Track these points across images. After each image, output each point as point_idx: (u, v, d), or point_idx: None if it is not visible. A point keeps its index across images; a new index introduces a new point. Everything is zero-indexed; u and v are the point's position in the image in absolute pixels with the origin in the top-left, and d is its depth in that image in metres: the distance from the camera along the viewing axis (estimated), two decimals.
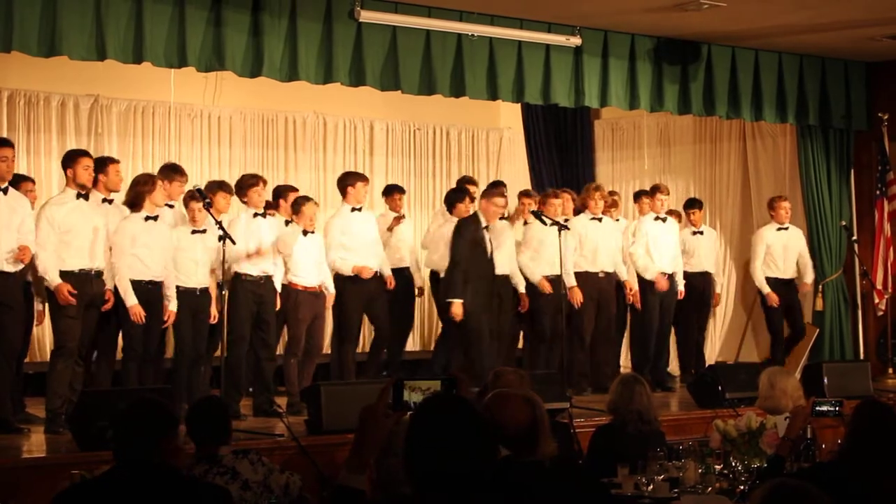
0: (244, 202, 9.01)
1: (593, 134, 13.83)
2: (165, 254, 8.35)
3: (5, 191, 7.68)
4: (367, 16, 8.75)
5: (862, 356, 11.57)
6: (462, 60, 9.27)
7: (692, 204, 11.56)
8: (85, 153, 8.17)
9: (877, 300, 11.52)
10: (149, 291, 8.22)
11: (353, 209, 9.54)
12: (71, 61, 8.06)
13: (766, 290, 11.07)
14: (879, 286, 11.49)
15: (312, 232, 9.22)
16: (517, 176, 13.78)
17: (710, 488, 5.33)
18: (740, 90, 10.74)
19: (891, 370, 11.43)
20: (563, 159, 13.66)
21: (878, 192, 11.67)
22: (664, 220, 10.84)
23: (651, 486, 5.21)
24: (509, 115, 14.06)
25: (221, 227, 8.18)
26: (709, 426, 6.34)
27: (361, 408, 3.37)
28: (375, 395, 3.35)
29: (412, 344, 11.97)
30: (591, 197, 10.60)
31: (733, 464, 5.53)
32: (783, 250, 11.09)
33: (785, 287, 11.10)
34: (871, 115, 11.70)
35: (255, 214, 8.94)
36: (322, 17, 8.67)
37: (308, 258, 9.17)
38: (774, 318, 11.13)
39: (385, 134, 13.60)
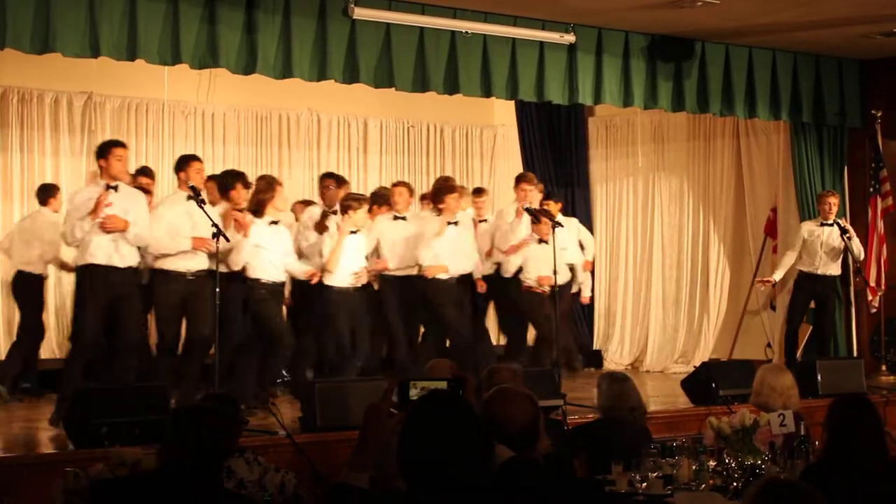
0: (440, 208, 9.74)
1: (587, 131, 13.83)
2: (287, 256, 8.98)
3: (116, 188, 8.06)
4: (360, 13, 8.74)
5: (855, 353, 11.58)
6: (456, 58, 9.26)
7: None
8: (196, 157, 8.83)
9: (870, 297, 11.52)
10: (272, 291, 8.78)
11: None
12: (64, 58, 8.04)
13: (775, 276, 11.22)
14: (873, 283, 11.49)
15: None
16: (511, 173, 13.76)
17: (703, 485, 5.33)
18: (734, 88, 10.74)
19: (884, 367, 11.45)
20: (556, 156, 13.66)
21: (871, 190, 11.68)
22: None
23: (645, 484, 5.22)
24: (503, 113, 14.07)
25: (216, 226, 8.18)
26: (703, 423, 6.34)
27: (366, 406, 3.38)
28: (370, 392, 3.37)
29: None
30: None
31: (727, 461, 5.53)
32: (819, 246, 10.99)
33: (815, 282, 11.06)
34: (864, 113, 11.71)
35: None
36: (316, 14, 8.66)
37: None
38: (795, 314, 11.15)
39: (379, 131, 13.62)
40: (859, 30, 10.44)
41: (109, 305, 7.99)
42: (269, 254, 8.82)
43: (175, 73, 10.07)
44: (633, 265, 13.50)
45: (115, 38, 7.88)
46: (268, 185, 8.96)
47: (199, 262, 8.47)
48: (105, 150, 8.17)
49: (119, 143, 8.29)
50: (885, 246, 11.58)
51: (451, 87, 9.34)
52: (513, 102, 12.74)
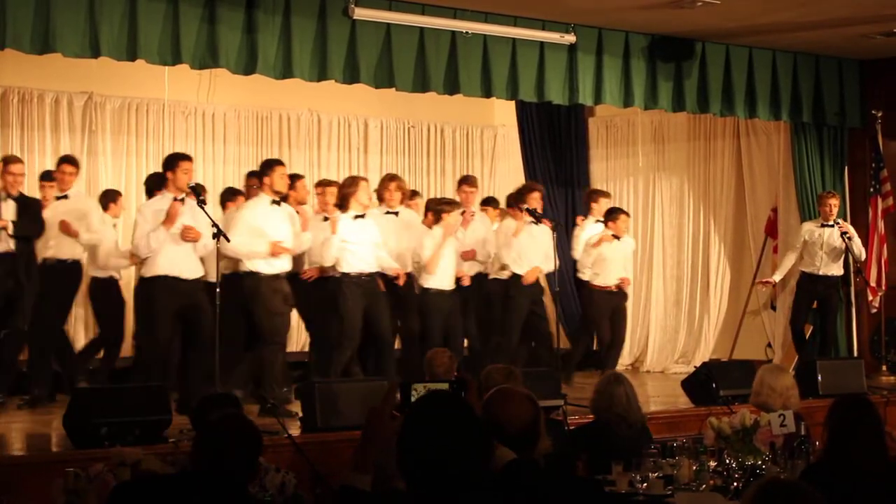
0: (509, 214, 10.26)
1: (587, 131, 13.83)
2: (376, 249, 9.17)
3: (183, 200, 8.30)
4: (361, 13, 8.75)
5: (856, 354, 11.58)
6: (456, 58, 9.26)
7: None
8: (279, 162, 8.96)
9: (870, 297, 11.53)
10: (365, 283, 8.98)
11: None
12: (64, 58, 8.05)
13: (775, 277, 11.31)
14: (873, 283, 11.50)
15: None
16: (512, 173, 13.81)
17: (704, 486, 5.33)
18: (734, 88, 10.75)
19: (884, 367, 11.45)
20: (557, 157, 13.66)
21: (871, 190, 11.69)
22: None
23: (645, 484, 5.22)
24: (504, 113, 14.07)
25: (216, 225, 8.18)
26: (703, 423, 6.34)
27: (368, 409, 3.37)
28: (370, 392, 3.37)
29: None
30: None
31: (727, 461, 5.53)
32: (820, 247, 11.00)
33: (817, 283, 11.08)
34: (864, 113, 11.71)
35: None
36: (316, 14, 8.67)
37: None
38: (798, 314, 11.17)
39: (379, 131, 13.62)
40: (859, 30, 10.44)
41: (180, 316, 8.27)
42: (355, 247, 9.05)
43: (175, 73, 10.07)
44: (633, 265, 13.47)
45: (115, 38, 7.89)
46: (352, 181, 9.34)
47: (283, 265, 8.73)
48: (173, 163, 8.43)
49: (186, 157, 8.61)
50: (885, 246, 11.58)
51: (452, 88, 9.34)
52: (513, 102, 12.73)
